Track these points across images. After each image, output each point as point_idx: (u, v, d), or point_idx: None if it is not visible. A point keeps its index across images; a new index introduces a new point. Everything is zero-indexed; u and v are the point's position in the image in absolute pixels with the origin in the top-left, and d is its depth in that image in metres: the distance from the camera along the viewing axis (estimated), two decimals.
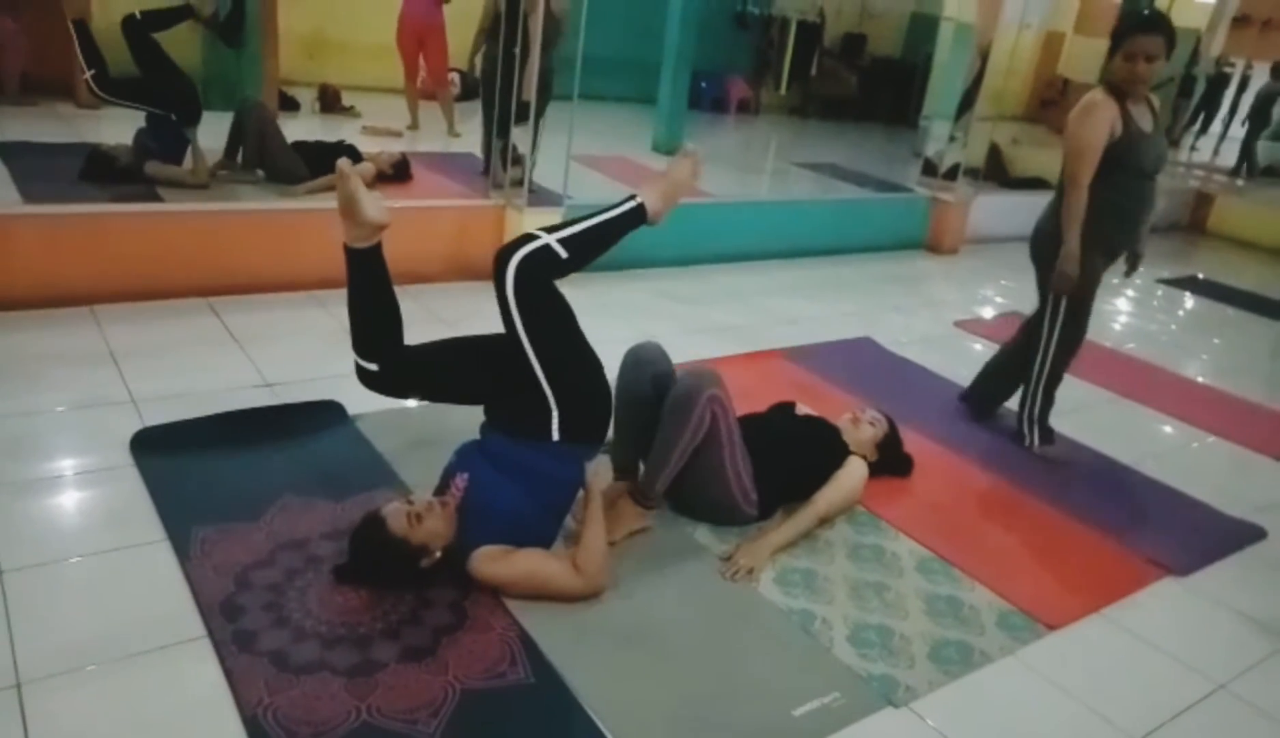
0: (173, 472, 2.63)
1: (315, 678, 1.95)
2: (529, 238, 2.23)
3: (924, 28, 11.63)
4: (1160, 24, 3.11)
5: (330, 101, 7.68)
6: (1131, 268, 3.46)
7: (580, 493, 2.44)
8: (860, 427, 3.08)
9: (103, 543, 2.30)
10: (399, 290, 2.29)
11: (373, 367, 2.27)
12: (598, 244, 2.33)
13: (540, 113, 4.61)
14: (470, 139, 6.78)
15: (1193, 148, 11.25)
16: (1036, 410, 3.52)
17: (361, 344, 2.27)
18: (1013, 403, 3.66)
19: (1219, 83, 11.67)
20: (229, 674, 1.93)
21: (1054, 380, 3.49)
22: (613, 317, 4.18)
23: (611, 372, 2.46)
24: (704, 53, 8.89)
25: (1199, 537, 3.08)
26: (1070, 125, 3.17)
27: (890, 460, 3.13)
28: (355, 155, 5.31)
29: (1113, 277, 3.48)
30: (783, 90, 11.60)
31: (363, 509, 2.33)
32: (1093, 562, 2.85)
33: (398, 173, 5.49)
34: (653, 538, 2.61)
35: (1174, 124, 9.03)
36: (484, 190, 4.85)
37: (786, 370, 3.98)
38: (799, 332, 4.50)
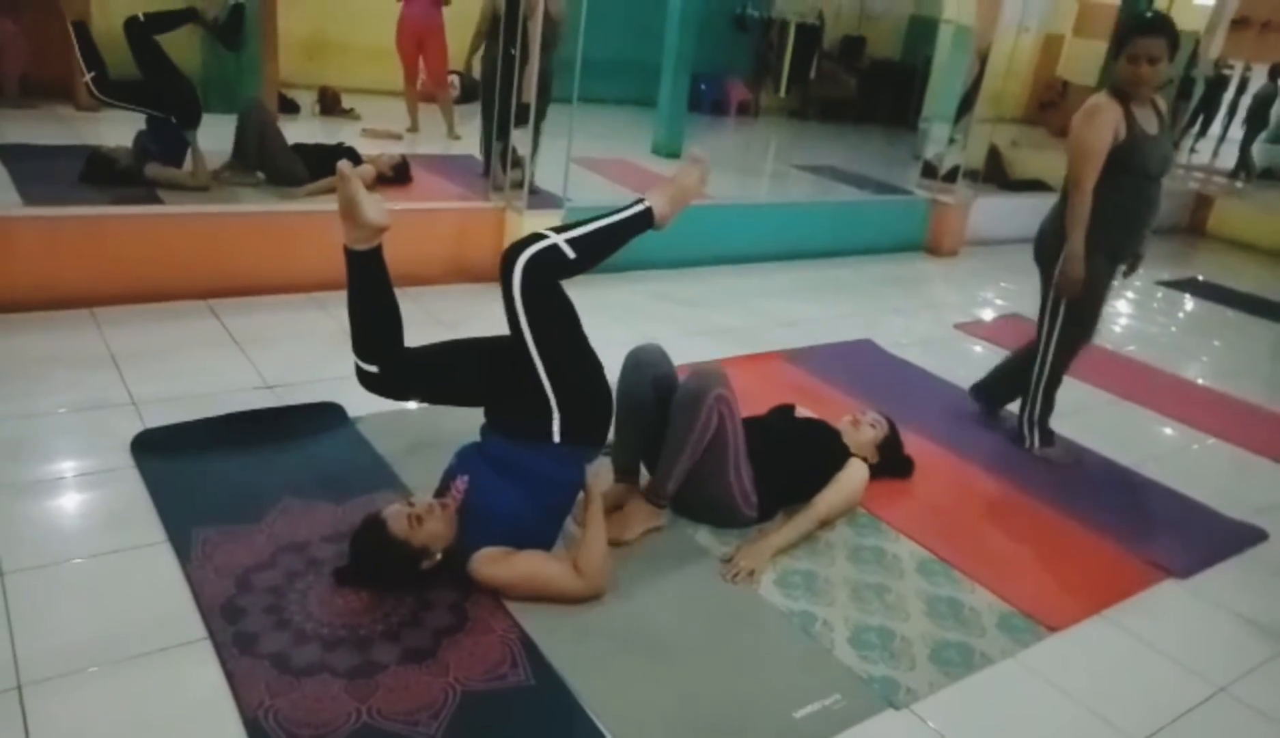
0: (173, 474, 2.63)
1: (316, 680, 1.95)
2: (537, 237, 2.24)
3: (923, 30, 11.65)
4: (1162, 26, 3.10)
5: (330, 104, 7.69)
6: (1131, 269, 3.46)
7: (580, 495, 2.44)
8: (861, 429, 3.08)
9: (104, 545, 2.30)
10: (399, 292, 2.29)
11: (373, 369, 2.27)
12: (605, 246, 2.34)
13: (541, 115, 4.62)
14: (470, 141, 6.78)
15: (1192, 150, 11.27)
16: (1037, 413, 3.52)
17: (362, 346, 2.27)
18: (1013, 405, 3.66)
19: (1218, 85, 11.68)
20: (230, 676, 1.93)
21: (1054, 383, 3.49)
22: (612, 318, 4.18)
23: (611, 374, 2.46)
24: (703, 55, 8.90)
25: (1199, 539, 3.08)
26: (1074, 128, 3.17)
27: (891, 462, 3.13)
28: (355, 158, 5.31)
29: (1113, 278, 3.47)
30: (782, 93, 11.61)
31: (363, 511, 2.32)
32: (1093, 564, 2.85)
33: (398, 175, 5.50)
34: (653, 540, 2.61)
35: (1173, 126, 9.03)
36: (484, 193, 4.86)
37: (786, 373, 3.98)
38: (799, 334, 4.50)
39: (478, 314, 4.07)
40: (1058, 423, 3.59)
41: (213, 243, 3.92)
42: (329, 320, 3.83)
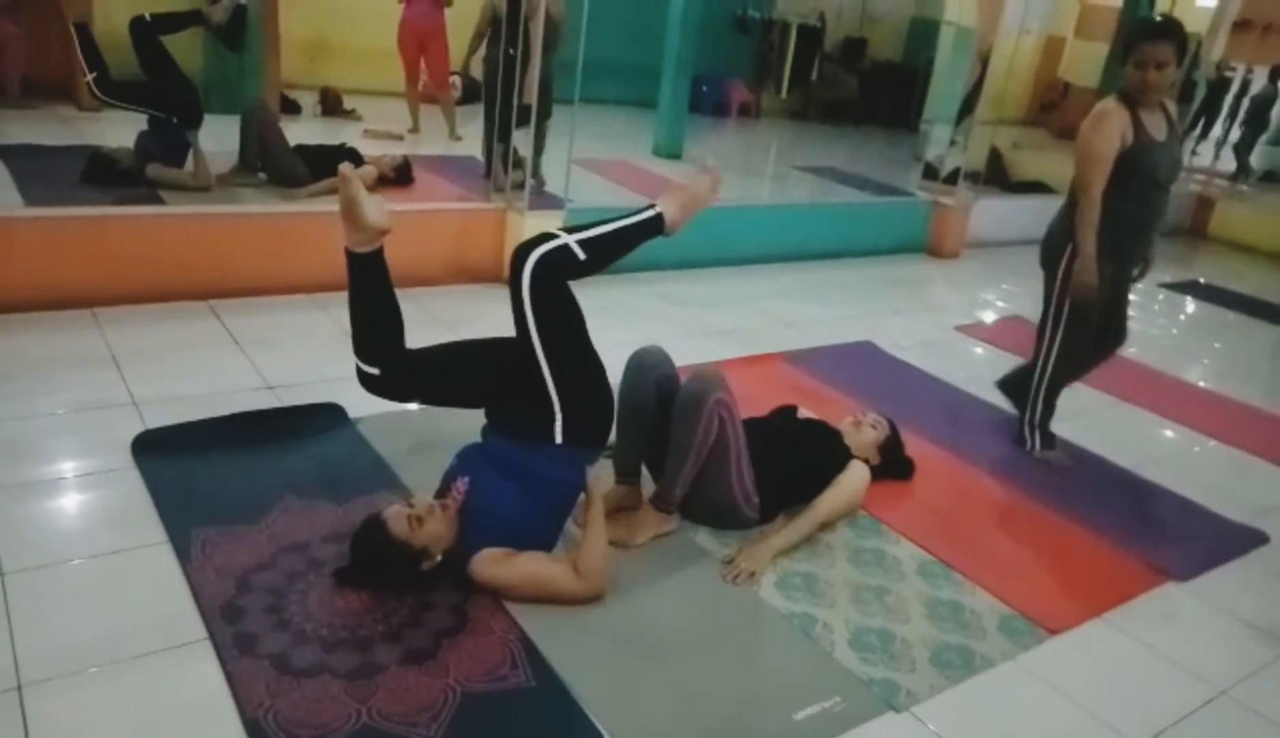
0: (174, 474, 2.63)
1: (316, 681, 1.95)
2: (549, 236, 2.24)
3: (925, 32, 11.64)
4: (1170, 31, 3.08)
5: (331, 105, 7.69)
6: (1140, 274, 3.44)
7: (581, 496, 2.44)
8: (862, 430, 3.08)
9: (104, 545, 2.30)
10: (399, 292, 2.29)
11: (374, 371, 2.27)
12: (615, 249, 2.34)
13: (546, 113, 4.62)
14: (471, 142, 6.78)
15: (1193, 152, 11.26)
16: (1038, 416, 3.52)
17: (363, 348, 2.27)
18: (1014, 406, 3.66)
19: (1220, 87, 11.68)
20: (230, 677, 1.93)
21: (1054, 387, 3.48)
22: (614, 319, 4.18)
23: (613, 375, 2.46)
24: (705, 56, 8.90)
25: (1200, 542, 3.08)
26: (1081, 133, 3.16)
27: (892, 464, 3.13)
28: (357, 158, 5.32)
29: (1127, 283, 3.46)
30: (783, 94, 11.61)
31: (364, 512, 2.32)
32: (1094, 566, 2.85)
33: (399, 176, 5.50)
34: (654, 542, 2.61)
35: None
36: (485, 194, 4.86)
37: (787, 374, 3.98)
38: (800, 335, 4.50)
39: (478, 315, 4.08)
40: (1058, 425, 3.58)
41: (214, 243, 3.92)
42: (330, 321, 3.83)
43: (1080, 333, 3.35)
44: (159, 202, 4.52)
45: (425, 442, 2.93)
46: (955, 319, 5.17)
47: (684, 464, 2.54)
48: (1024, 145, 10.07)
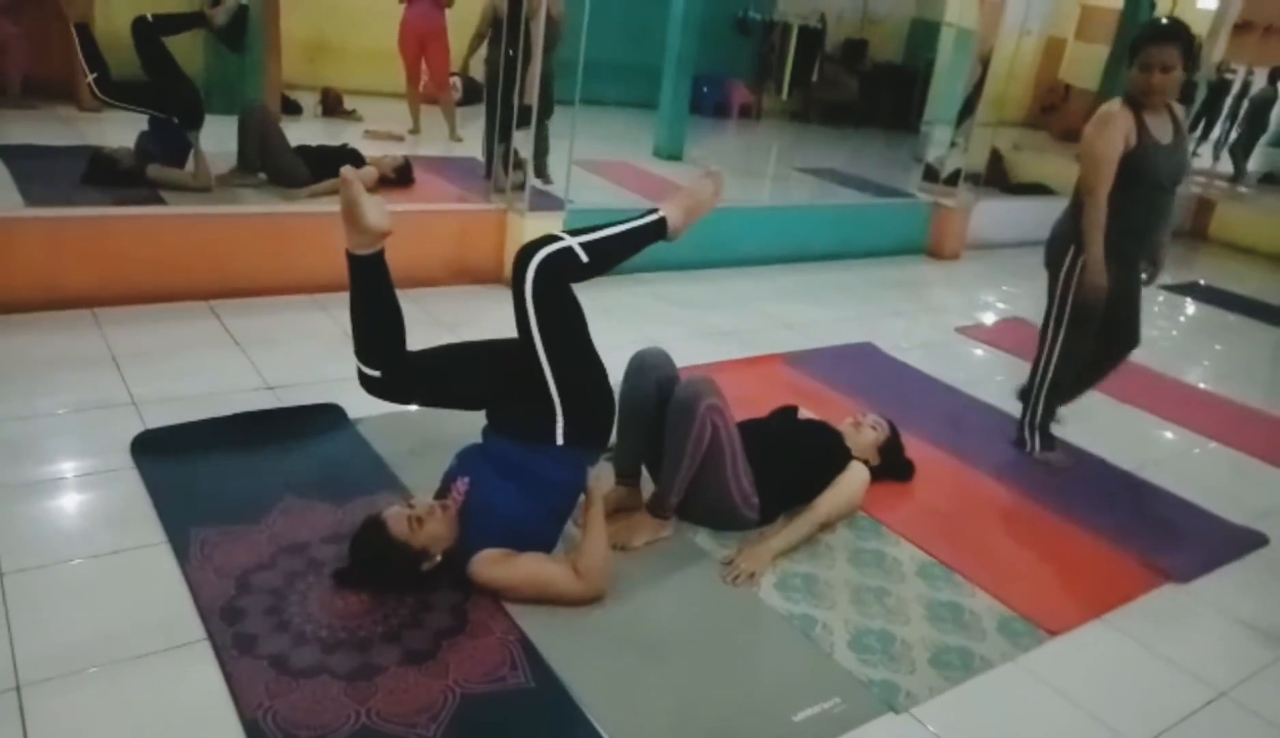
0: (174, 474, 2.63)
1: (315, 682, 1.95)
2: (552, 238, 2.24)
3: (925, 33, 11.64)
4: (1175, 34, 3.06)
5: (332, 105, 7.70)
6: (1150, 278, 3.44)
7: (581, 497, 2.44)
8: (862, 431, 3.08)
9: (103, 545, 2.30)
10: (400, 293, 2.29)
11: (375, 373, 2.28)
12: (618, 252, 2.35)
13: (548, 112, 4.61)
14: (472, 143, 6.79)
15: (1194, 154, 11.26)
16: (1038, 418, 3.52)
17: (364, 350, 2.28)
18: (1014, 408, 3.65)
19: (1220, 89, 11.67)
20: (229, 678, 1.93)
21: (1055, 390, 3.47)
22: (615, 321, 4.18)
23: (614, 376, 2.46)
24: (705, 58, 8.90)
25: (1200, 543, 3.08)
26: (1085, 136, 3.15)
27: (892, 465, 3.13)
28: (358, 159, 5.32)
29: (1138, 286, 3.45)
30: (784, 95, 11.62)
31: (363, 513, 2.32)
32: (1093, 568, 2.85)
33: (400, 177, 5.50)
34: (654, 543, 2.61)
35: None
36: (486, 195, 4.86)
37: (787, 375, 3.98)
38: (800, 336, 4.50)
39: (479, 316, 4.08)
40: (1058, 426, 3.58)
41: (214, 244, 3.92)
42: (330, 322, 3.83)
43: (1083, 334, 3.35)
44: (160, 202, 4.52)
45: (425, 442, 2.93)
46: (955, 321, 5.17)
47: (678, 471, 2.54)
48: (1024, 147, 10.07)
